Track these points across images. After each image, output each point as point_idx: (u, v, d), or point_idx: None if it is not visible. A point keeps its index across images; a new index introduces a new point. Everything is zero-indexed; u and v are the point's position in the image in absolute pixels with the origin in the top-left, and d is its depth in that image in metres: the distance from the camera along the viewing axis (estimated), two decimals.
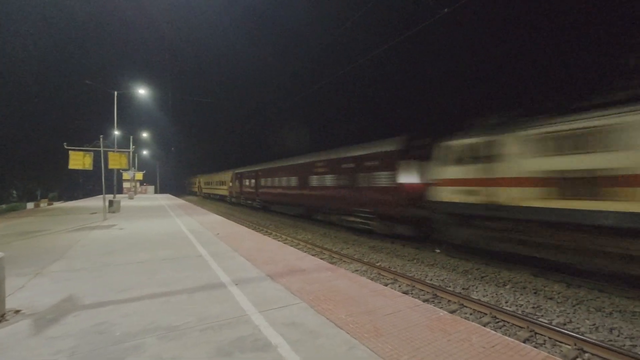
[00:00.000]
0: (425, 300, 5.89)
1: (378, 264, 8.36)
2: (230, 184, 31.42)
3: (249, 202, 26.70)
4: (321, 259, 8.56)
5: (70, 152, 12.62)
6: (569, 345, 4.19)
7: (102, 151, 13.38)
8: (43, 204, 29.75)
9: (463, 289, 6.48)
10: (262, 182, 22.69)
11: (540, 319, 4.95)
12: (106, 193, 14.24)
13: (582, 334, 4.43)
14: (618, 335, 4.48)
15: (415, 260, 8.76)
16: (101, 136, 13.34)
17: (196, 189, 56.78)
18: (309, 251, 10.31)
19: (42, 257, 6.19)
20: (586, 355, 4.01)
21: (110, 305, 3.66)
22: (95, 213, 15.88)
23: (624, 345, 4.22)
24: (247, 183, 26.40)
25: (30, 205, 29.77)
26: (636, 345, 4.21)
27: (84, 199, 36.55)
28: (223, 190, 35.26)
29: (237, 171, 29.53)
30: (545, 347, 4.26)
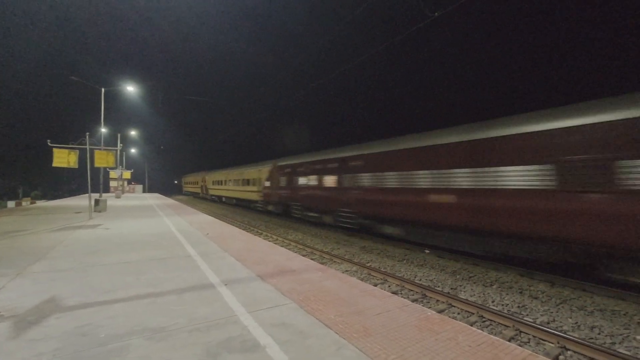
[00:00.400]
0: (414, 300, 5.96)
1: (368, 265, 8.40)
2: (267, 184, 20.67)
3: (313, 214, 15.23)
4: (312, 259, 8.56)
5: (54, 149, 12.28)
6: (552, 343, 4.30)
7: (88, 149, 13.07)
8: (25, 203, 28.89)
9: (451, 289, 6.57)
10: (367, 180, 11.37)
11: (525, 318, 5.06)
12: (92, 192, 13.90)
13: (565, 332, 4.56)
14: (599, 334, 4.62)
15: (405, 261, 8.85)
16: (87, 133, 13.02)
17: (197, 190, 46.91)
18: (300, 252, 10.29)
19: (24, 257, 6.00)
20: (568, 352, 4.12)
21: (95, 307, 3.57)
22: (80, 212, 15.49)
23: (604, 343, 4.36)
24: (313, 182, 14.95)
25: (11, 204, 28.87)
26: (615, 343, 4.35)
27: (68, 198, 35.58)
28: (249, 193, 24.21)
29: (283, 163, 18.31)
30: (530, 345, 4.36)
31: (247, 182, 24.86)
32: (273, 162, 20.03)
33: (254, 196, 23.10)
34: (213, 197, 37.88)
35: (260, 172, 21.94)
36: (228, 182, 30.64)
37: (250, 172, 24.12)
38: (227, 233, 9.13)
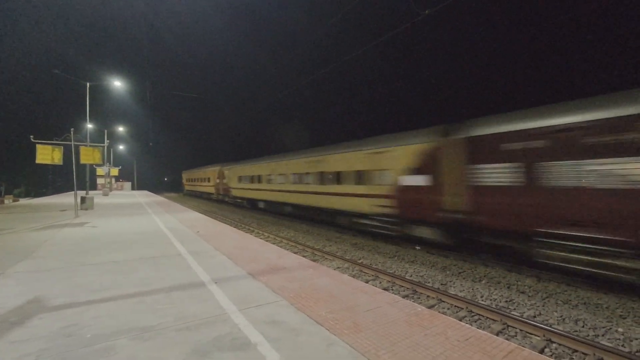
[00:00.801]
0: (405, 296, 6.02)
1: (360, 261, 8.45)
2: (411, 181, 9.43)
3: None
4: (303, 256, 8.56)
5: (37, 145, 11.92)
6: (538, 336, 4.41)
7: (72, 145, 12.73)
8: (7, 201, 28.06)
9: (441, 284, 6.67)
10: None
11: (512, 312, 5.18)
12: (78, 189, 13.57)
13: (550, 326, 4.68)
14: (583, 326, 4.76)
15: (396, 257, 8.93)
16: (72, 129, 12.69)
17: (209, 189, 34.31)
18: (292, 249, 10.28)
19: (6, 257, 5.82)
20: (553, 345, 4.23)
21: (81, 307, 3.49)
22: (66, 210, 15.11)
23: (588, 335, 4.49)
24: None
25: None
26: (598, 335, 4.48)
27: (53, 196, 34.66)
28: (348, 199, 12.30)
29: (504, 129, 7.05)
30: (517, 338, 4.45)
31: (335, 177, 13.25)
32: (440, 130, 8.96)
33: (363, 205, 11.58)
34: (239, 200, 25.73)
35: (386, 158, 10.57)
36: (277, 179, 18.52)
37: (350, 157, 12.38)
38: (218, 231, 9.04)
